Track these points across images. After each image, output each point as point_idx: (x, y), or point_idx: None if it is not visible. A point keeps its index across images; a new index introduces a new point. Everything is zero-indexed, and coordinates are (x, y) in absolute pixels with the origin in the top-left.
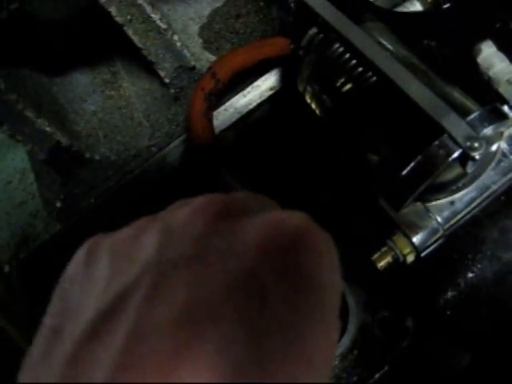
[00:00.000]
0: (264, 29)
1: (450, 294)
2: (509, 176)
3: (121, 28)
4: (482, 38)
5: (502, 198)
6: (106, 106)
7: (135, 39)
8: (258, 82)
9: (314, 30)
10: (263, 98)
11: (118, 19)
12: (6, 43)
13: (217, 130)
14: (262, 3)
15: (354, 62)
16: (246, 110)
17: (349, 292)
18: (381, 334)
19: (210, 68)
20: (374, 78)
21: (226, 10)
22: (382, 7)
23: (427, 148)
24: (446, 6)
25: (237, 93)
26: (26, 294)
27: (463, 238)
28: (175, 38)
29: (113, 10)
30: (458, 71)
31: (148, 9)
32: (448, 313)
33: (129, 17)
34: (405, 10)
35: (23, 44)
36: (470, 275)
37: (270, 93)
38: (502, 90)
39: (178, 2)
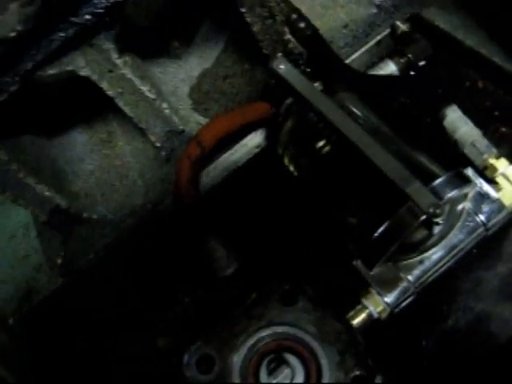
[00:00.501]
0: (249, 90)
1: (425, 344)
2: (474, 234)
3: (112, 100)
4: (448, 103)
5: (474, 250)
6: (102, 165)
7: (126, 109)
8: (245, 141)
9: (290, 100)
10: (250, 155)
11: (110, 93)
12: (7, 117)
13: (207, 187)
14: (247, 65)
15: (327, 131)
16: (234, 167)
17: (323, 353)
18: None
19: (196, 136)
20: (345, 147)
21: (214, 71)
22: (357, 70)
23: (395, 213)
24: (413, 73)
25: (225, 151)
26: (29, 345)
27: (437, 290)
28: (164, 105)
29: (104, 85)
30: (425, 134)
31: (137, 82)
32: (425, 364)
33: (119, 90)
34: (379, 70)
35: (23, 113)
36: (444, 326)
37: (257, 150)
38: (468, 151)
39: (169, 64)
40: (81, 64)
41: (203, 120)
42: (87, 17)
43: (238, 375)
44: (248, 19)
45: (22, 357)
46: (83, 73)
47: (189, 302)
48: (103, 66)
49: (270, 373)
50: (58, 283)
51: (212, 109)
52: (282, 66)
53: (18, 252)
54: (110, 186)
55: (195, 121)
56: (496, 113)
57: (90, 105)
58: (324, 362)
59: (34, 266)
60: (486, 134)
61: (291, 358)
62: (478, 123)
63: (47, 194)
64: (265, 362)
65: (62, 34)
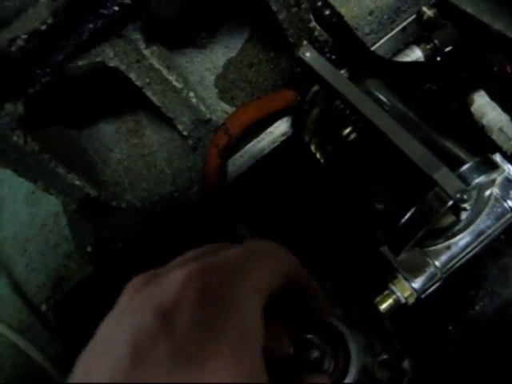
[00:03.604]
0: (275, 78)
1: (452, 330)
2: (502, 220)
3: (140, 90)
4: (475, 88)
5: (502, 236)
6: (130, 154)
7: (154, 99)
8: (271, 129)
9: (316, 88)
10: (276, 143)
11: (138, 83)
12: (38, 109)
13: (233, 175)
14: (272, 54)
15: (353, 118)
16: (260, 155)
17: (350, 336)
18: (381, 376)
19: (223, 124)
20: (371, 134)
21: (239, 60)
22: (383, 56)
23: (423, 199)
24: (439, 59)
25: (251, 139)
26: (62, 331)
27: (464, 276)
28: (191, 94)
29: (132, 75)
30: (452, 120)
31: (165, 71)
32: (451, 349)
33: (147, 80)
34: (405, 56)
35: (53, 105)
36: (472, 312)
37: (283, 138)
38: (495, 137)
39: (195, 54)
40: (109, 55)
41: (229, 109)
42: (115, 8)
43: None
44: (273, 8)
45: (57, 344)
46: (112, 63)
47: None
48: (131, 56)
49: (300, 356)
50: (88, 270)
51: (238, 97)
52: (308, 54)
53: (49, 240)
54: (138, 174)
55: (222, 109)
56: None
57: (117, 95)
58: (352, 345)
59: (64, 254)
60: None
61: (320, 341)
62: (506, 108)
63: (78, 183)
64: (293, 345)
65: (91, 26)
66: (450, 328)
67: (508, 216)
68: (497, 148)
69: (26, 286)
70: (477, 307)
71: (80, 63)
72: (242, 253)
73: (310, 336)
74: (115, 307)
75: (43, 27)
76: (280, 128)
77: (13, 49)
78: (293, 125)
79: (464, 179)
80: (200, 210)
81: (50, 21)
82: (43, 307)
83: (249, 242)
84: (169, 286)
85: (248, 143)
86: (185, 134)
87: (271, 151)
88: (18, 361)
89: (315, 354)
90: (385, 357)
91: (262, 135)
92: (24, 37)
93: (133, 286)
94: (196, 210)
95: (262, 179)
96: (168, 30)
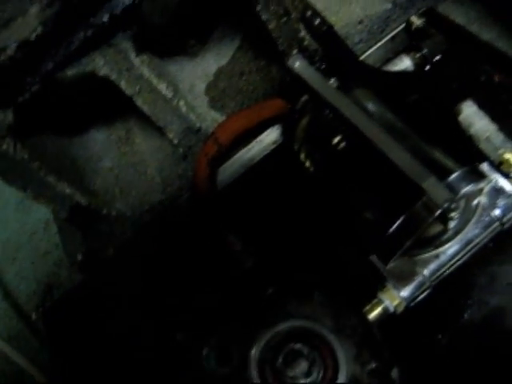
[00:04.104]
0: (265, 86)
1: (440, 338)
2: (490, 229)
3: (130, 99)
4: (463, 98)
5: (490, 244)
6: (121, 162)
7: (144, 108)
8: (262, 137)
9: (306, 97)
10: (267, 151)
11: (128, 92)
12: (28, 117)
13: (224, 183)
14: (262, 62)
15: (342, 127)
16: (250, 164)
17: (339, 346)
18: None
19: (212, 133)
20: (360, 143)
21: (230, 68)
22: (372, 66)
23: (411, 208)
24: (428, 68)
25: (242, 147)
26: (50, 339)
27: (453, 284)
28: (181, 103)
29: (122, 84)
30: (441, 130)
31: (155, 80)
32: (440, 356)
33: (137, 89)
34: (394, 66)
35: (44, 113)
36: (460, 320)
37: (273, 146)
38: (483, 146)
39: (186, 61)
40: (99, 64)
41: (220, 117)
42: (105, 18)
43: (255, 367)
44: (263, 17)
45: (46, 352)
46: (102, 72)
47: (207, 296)
48: (121, 65)
49: (287, 365)
50: (78, 279)
51: (228, 106)
52: (297, 64)
53: (40, 248)
54: (129, 182)
55: (212, 118)
56: None
57: (108, 103)
58: (341, 355)
59: (54, 262)
60: (502, 128)
61: (309, 351)
62: (494, 117)
63: (67, 191)
64: (282, 355)
65: (81, 35)
66: (439, 337)
67: (495, 225)
68: (484, 157)
69: (16, 293)
70: (465, 315)
71: (70, 72)
72: None
73: (298, 346)
74: None
75: (33, 37)
76: (270, 136)
77: (2, 58)
78: (283, 133)
79: (452, 188)
80: (190, 218)
81: (39, 30)
82: (33, 316)
83: None
84: None
85: (238, 151)
86: (175, 142)
87: (262, 159)
88: (6, 368)
89: (304, 363)
90: (373, 365)
91: (253, 143)
92: (13, 46)
93: None
94: (186, 217)
95: (253, 187)
96: (159, 38)
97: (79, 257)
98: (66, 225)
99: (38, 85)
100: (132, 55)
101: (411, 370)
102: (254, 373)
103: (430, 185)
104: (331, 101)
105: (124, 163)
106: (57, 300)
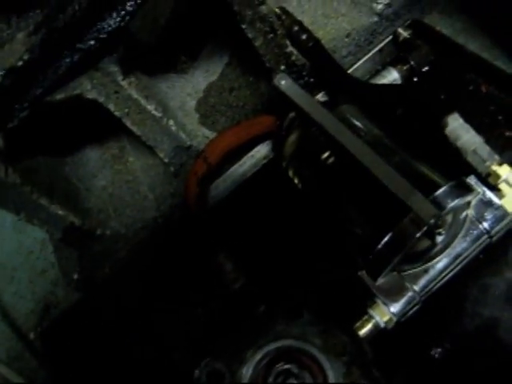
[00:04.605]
0: (255, 102)
1: (434, 351)
2: (478, 242)
3: (119, 120)
4: (449, 111)
5: (481, 256)
6: (114, 180)
7: (133, 129)
8: (253, 153)
9: (292, 114)
10: (258, 167)
11: (117, 113)
12: (19, 141)
13: (216, 199)
14: (251, 78)
15: (329, 143)
16: (242, 179)
17: (328, 364)
18: None
19: (202, 152)
20: (347, 160)
21: (220, 84)
22: (360, 79)
23: (398, 224)
24: (416, 79)
25: (233, 163)
26: (49, 359)
27: (445, 297)
28: (170, 122)
29: (111, 106)
30: (427, 143)
31: (143, 101)
32: (434, 370)
33: (126, 110)
34: (382, 78)
35: (35, 136)
36: (453, 333)
37: (265, 161)
38: (470, 159)
39: (176, 79)
40: (87, 87)
41: (210, 134)
42: (91, 42)
43: None
44: (249, 35)
45: (44, 372)
46: (90, 96)
47: (201, 312)
48: (109, 88)
49: None
50: (75, 298)
51: (219, 122)
52: (283, 82)
53: (37, 267)
54: (122, 201)
55: (202, 135)
56: (500, 117)
57: (100, 123)
58: (330, 373)
59: (51, 281)
60: (490, 138)
61: (299, 371)
62: (481, 128)
63: (61, 212)
64: (273, 375)
65: (67, 60)
66: (432, 350)
67: (483, 238)
68: (471, 170)
69: (14, 313)
70: (458, 328)
71: (58, 97)
72: None
73: (288, 365)
74: None
75: (19, 63)
76: (261, 151)
77: None
78: (273, 149)
79: (438, 204)
80: (183, 236)
81: (26, 57)
82: (31, 335)
83: None
84: None
85: (229, 167)
86: (166, 161)
87: (253, 175)
88: None
89: (294, 383)
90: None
91: (244, 159)
92: (0, 73)
93: None
94: (179, 235)
95: (244, 203)
96: (148, 56)
97: (75, 276)
98: (61, 244)
99: (27, 110)
100: (119, 78)
101: None
102: None
103: (416, 201)
104: (317, 119)
105: (118, 181)
106: (54, 320)
